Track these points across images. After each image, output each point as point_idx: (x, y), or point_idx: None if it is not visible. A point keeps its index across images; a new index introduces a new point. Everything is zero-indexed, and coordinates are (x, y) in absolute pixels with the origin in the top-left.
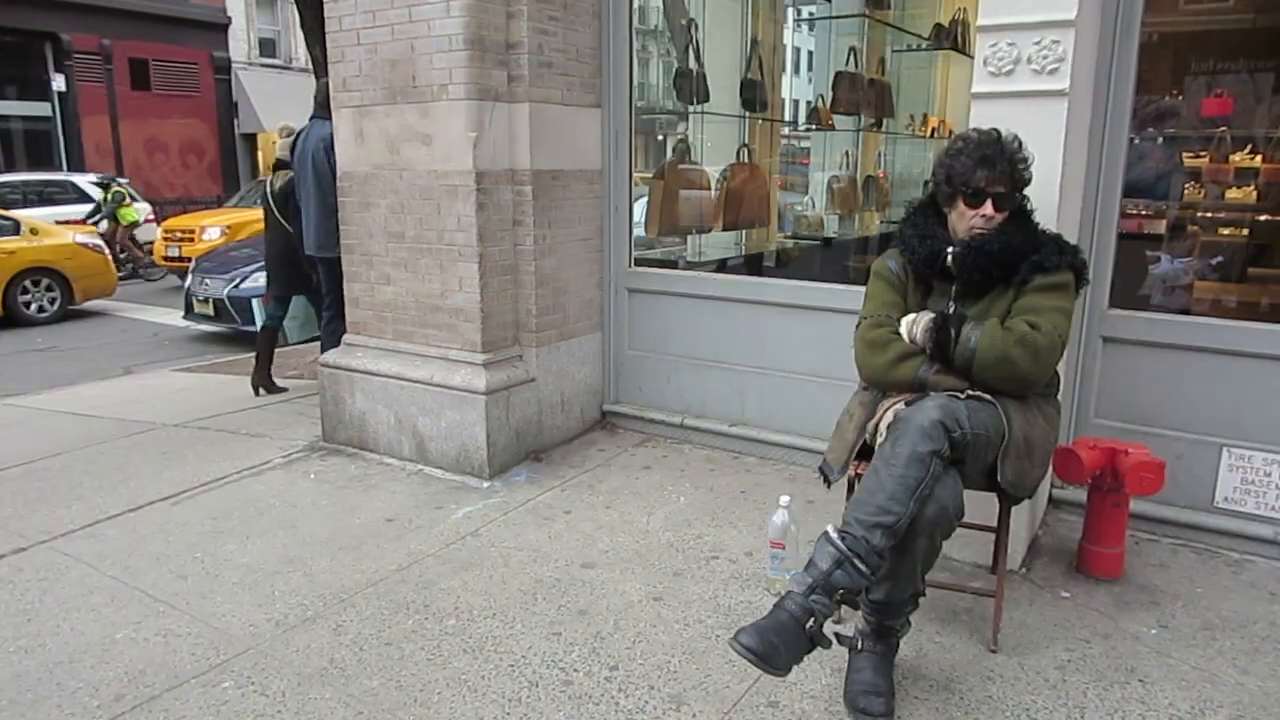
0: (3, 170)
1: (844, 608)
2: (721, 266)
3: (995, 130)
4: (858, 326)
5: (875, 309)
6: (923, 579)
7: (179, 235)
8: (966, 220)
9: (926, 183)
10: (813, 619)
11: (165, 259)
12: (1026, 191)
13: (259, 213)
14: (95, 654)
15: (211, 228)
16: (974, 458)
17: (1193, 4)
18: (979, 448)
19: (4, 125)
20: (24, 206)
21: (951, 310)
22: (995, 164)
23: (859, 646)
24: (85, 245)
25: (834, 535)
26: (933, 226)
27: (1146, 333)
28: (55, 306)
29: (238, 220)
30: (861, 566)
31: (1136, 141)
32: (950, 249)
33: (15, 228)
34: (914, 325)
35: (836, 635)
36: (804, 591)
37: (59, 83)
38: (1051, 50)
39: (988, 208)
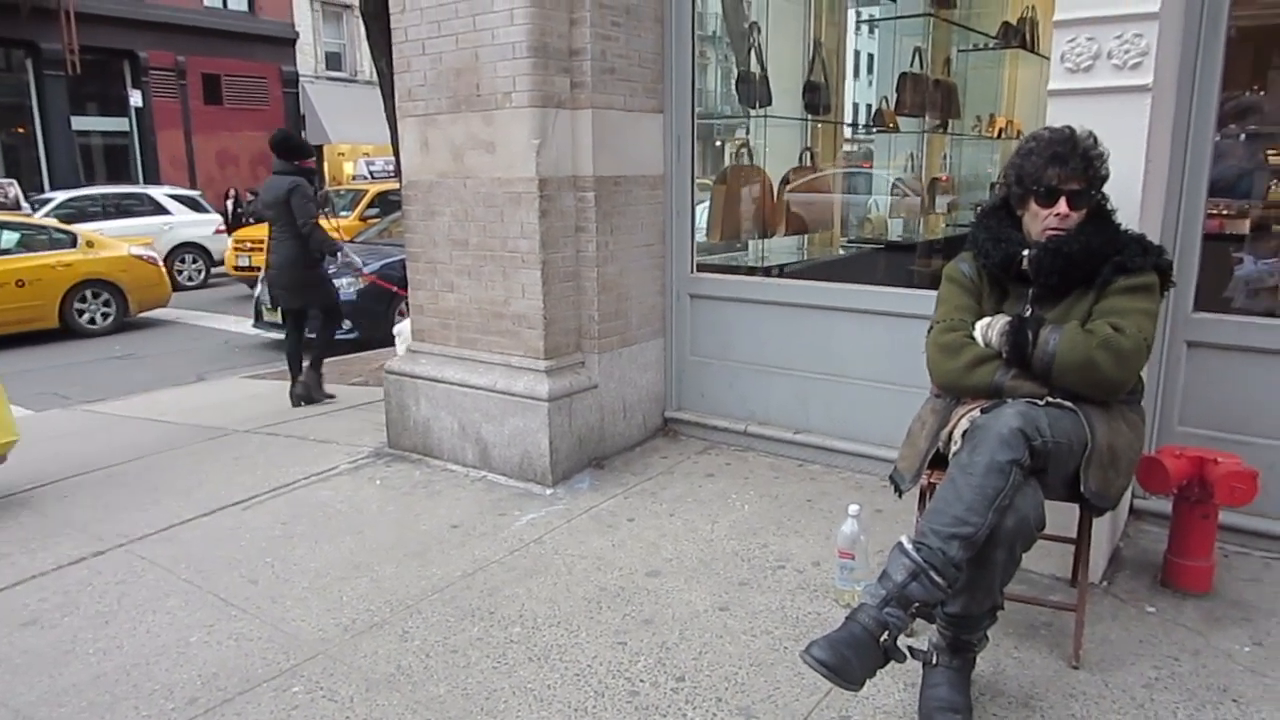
0: (83, 184)
1: (918, 620)
2: (785, 271)
3: (1068, 127)
4: (930, 331)
5: (948, 313)
6: (1001, 592)
7: (249, 245)
8: (1040, 220)
9: (992, 185)
10: (887, 632)
11: (236, 268)
12: (1107, 191)
13: (324, 222)
14: (170, 656)
15: None
16: (1055, 467)
17: None
18: (1060, 457)
19: (85, 140)
20: (103, 219)
21: (1029, 313)
22: (1067, 161)
23: (934, 661)
24: (139, 257)
25: (909, 546)
26: (1007, 229)
27: (1235, 336)
28: (110, 319)
29: None
30: (938, 579)
31: (1218, 139)
32: (1026, 251)
33: (72, 240)
34: (989, 329)
35: (910, 649)
36: (878, 604)
37: (136, 98)
38: (1134, 44)
39: (1061, 206)
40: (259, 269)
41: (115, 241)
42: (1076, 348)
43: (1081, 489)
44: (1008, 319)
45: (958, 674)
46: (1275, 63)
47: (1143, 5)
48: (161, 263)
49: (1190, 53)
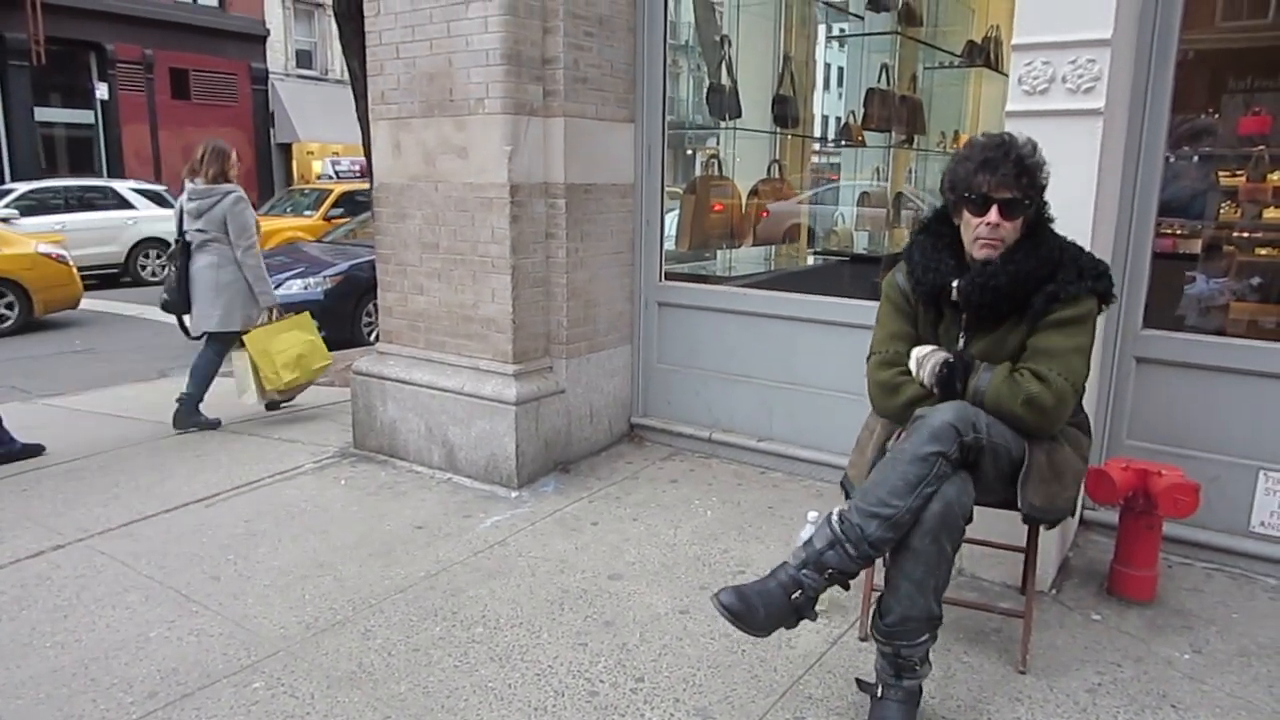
0: (45, 175)
1: (833, 590)
2: (751, 282)
3: (1006, 134)
4: (869, 359)
5: (884, 342)
6: (937, 600)
7: None
8: (972, 230)
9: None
10: (800, 591)
11: None
12: (1055, 207)
13: (289, 221)
14: (130, 651)
15: None
16: (991, 465)
17: (1230, 21)
18: (997, 455)
19: (48, 132)
20: (65, 211)
21: (961, 345)
22: (998, 167)
23: (880, 694)
24: (48, 255)
25: (834, 518)
26: (940, 252)
27: (1182, 353)
28: (10, 321)
29: (268, 228)
30: (851, 550)
31: (1172, 160)
32: (955, 283)
33: None
34: (921, 367)
35: (858, 681)
36: (797, 565)
37: (102, 91)
38: (1087, 69)
39: (992, 215)
40: None
41: (22, 238)
42: (1002, 402)
43: (1019, 505)
44: (938, 360)
45: (904, 706)
46: (1229, 86)
47: (1096, 32)
48: (72, 262)
49: (1141, 78)
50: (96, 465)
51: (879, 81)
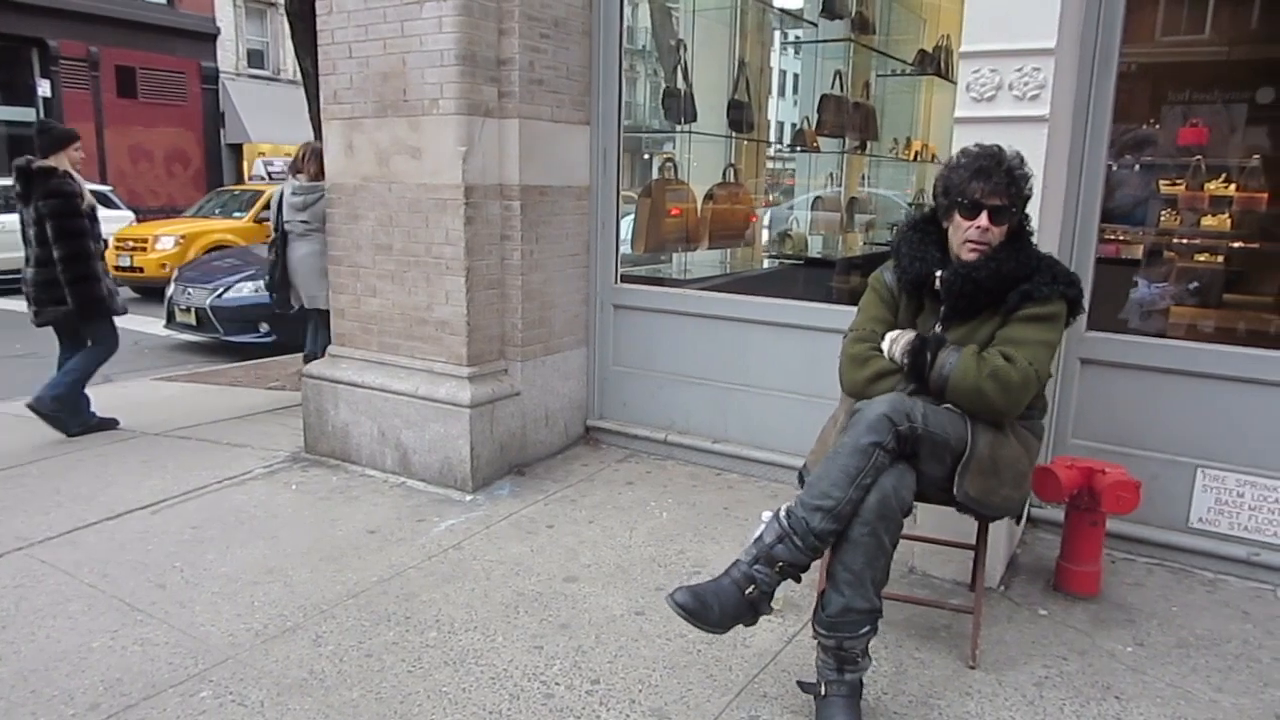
0: None
1: (786, 584)
2: (707, 285)
3: (997, 145)
4: (845, 336)
5: (863, 322)
6: (877, 592)
7: (131, 245)
8: (961, 233)
9: (910, 205)
10: (754, 586)
11: (116, 269)
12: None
13: (218, 223)
14: (71, 662)
15: (165, 238)
16: (930, 455)
17: (1170, 35)
18: (935, 446)
19: None
20: (5, 212)
21: (936, 330)
22: (991, 175)
23: (824, 692)
24: None
25: (782, 513)
26: (927, 246)
27: (1123, 355)
28: None
29: (193, 230)
30: (799, 543)
31: (1115, 168)
32: (939, 272)
33: None
34: (894, 344)
35: (800, 684)
36: (749, 561)
37: (44, 88)
38: (1032, 78)
39: (983, 219)
40: (140, 269)
41: None
42: (968, 375)
43: (955, 492)
44: (911, 337)
45: (848, 700)
46: (1169, 98)
47: (1041, 41)
48: None
49: (1084, 87)
50: (37, 471)
51: (833, 88)
